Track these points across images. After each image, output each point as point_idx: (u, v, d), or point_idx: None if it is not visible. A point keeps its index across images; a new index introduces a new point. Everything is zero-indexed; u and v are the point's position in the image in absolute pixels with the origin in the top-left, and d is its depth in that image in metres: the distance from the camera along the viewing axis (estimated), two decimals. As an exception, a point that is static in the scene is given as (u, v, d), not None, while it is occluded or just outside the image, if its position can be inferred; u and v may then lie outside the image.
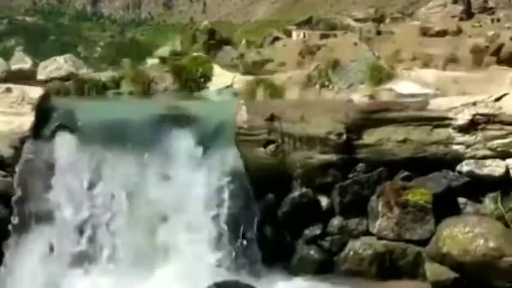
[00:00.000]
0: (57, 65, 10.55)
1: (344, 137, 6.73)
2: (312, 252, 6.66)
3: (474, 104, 6.72)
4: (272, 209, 6.70)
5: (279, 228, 6.69)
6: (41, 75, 10.52)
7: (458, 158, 6.68)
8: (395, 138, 6.74)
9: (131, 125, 6.72)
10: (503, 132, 6.62)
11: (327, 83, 9.42)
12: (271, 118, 6.81)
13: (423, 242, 6.49)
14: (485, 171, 6.59)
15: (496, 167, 6.60)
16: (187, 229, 6.50)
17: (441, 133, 6.73)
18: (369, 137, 6.78)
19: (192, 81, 10.10)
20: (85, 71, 10.61)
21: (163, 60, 12.73)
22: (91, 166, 6.54)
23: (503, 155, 6.63)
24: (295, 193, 6.72)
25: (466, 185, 6.60)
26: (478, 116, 6.66)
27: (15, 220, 6.36)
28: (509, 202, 6.54)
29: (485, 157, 6.64)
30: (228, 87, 10.21)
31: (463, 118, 6.67)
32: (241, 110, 6.87)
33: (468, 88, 8.83)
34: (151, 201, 6.51)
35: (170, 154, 6.61)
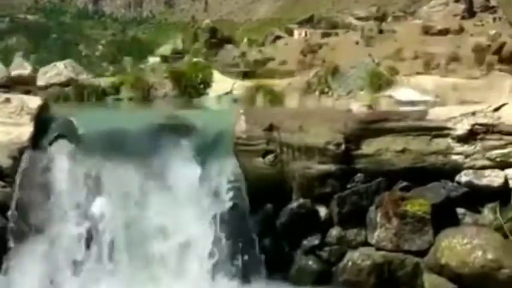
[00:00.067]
0: (57, 71, 10.56)
1: (343, 147, 6.73)
2: (310, 262, 6.66)
3: (473, 114, 6.71)
4: (271, 219, 6.70)
5: (278, 239, 6.69)
6: (40, 81, 10.54)
7: (457, 168, 6.67)
8: (394, 148, 6.74)
9: (130, 135, 6.73)
10: (502, 142, 6.61)
11: (326, 90, 9.42)
12: (270, 128, 6.81)
13: (422, 253, 6.48)
14: (484, 181, 6.59)
15: (494, 177, 6.59)
16: (186, 239, 6.50)
17: (440, 143, 6.72)
18: (368, 147, 6.77)
19: (191, 87, 10.11)
20: (84, 77, 10.62)
21: (164, 58, 12.75)
22: (90, 176, 6.54)
23: (502, 165, 6.62)
24: (294, 203, 6.71)
25: (464, 196, 6.59)
26: (477, 126, 6.65)
27: (13, 230, 6.37)
28: (508, 212, 6.53)
29: (484, 167, 6.63)
30: (227, 93, 10.22)
31: (461, 128, 6.67)
32: (240, 119, 6.87)
33: (468, 95, 8.84)
34: (149, 211, 6.52)
35: (169, 164, 6.61)
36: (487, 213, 6.60)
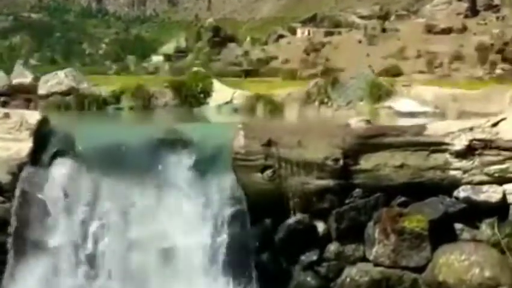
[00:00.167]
0: (58, 80, 10.60)
1: (341, 162, 6.73)
2: (308, 278, 6.67)
3: (471, 129, 6.72)
4: (269, 235, 6.72)
5: (276, 254, 6.70)
6: (42, 90, 10.58)
7: (455, 184, 6.68)
8: (392, 164, 6.74)
9: (129, 150, 6.74)
10: (500, 157, 6.62)
11: (326, 100, 9.42)
12: (269, 143, 6.81)
13: (420, 269, 6.50)
14: (482, 197, 6.59)
15: (493, 193, 6.60)
16: (184, 254, 6.52)
17: (438, 158, 6.73)
18: (366, 162, 6.78)
19: (191, 96, 10.13)
20: (85, 86, 10.64)
21: (167, 57, 12.81)
22: (90, 191, 6.57)
23: (500, 180, 6.63)
24: (292, 218, 6.73)
25: (462, 211, 6.60)
26: (475, 142, 6.65)
27: (13, 246, 6.40)
28: (506, 228, 6.54)
29: (482, 183, 6.64)
30: (227, 102, 10.22)
31: (460, 143, 6.67)
32: (238, 134, 6.88)
33: (467, 106, 8.84)
34: (148, 226, 6.54)
35: (168, 179, 6.63)
36: (485, 229, 6.61)
